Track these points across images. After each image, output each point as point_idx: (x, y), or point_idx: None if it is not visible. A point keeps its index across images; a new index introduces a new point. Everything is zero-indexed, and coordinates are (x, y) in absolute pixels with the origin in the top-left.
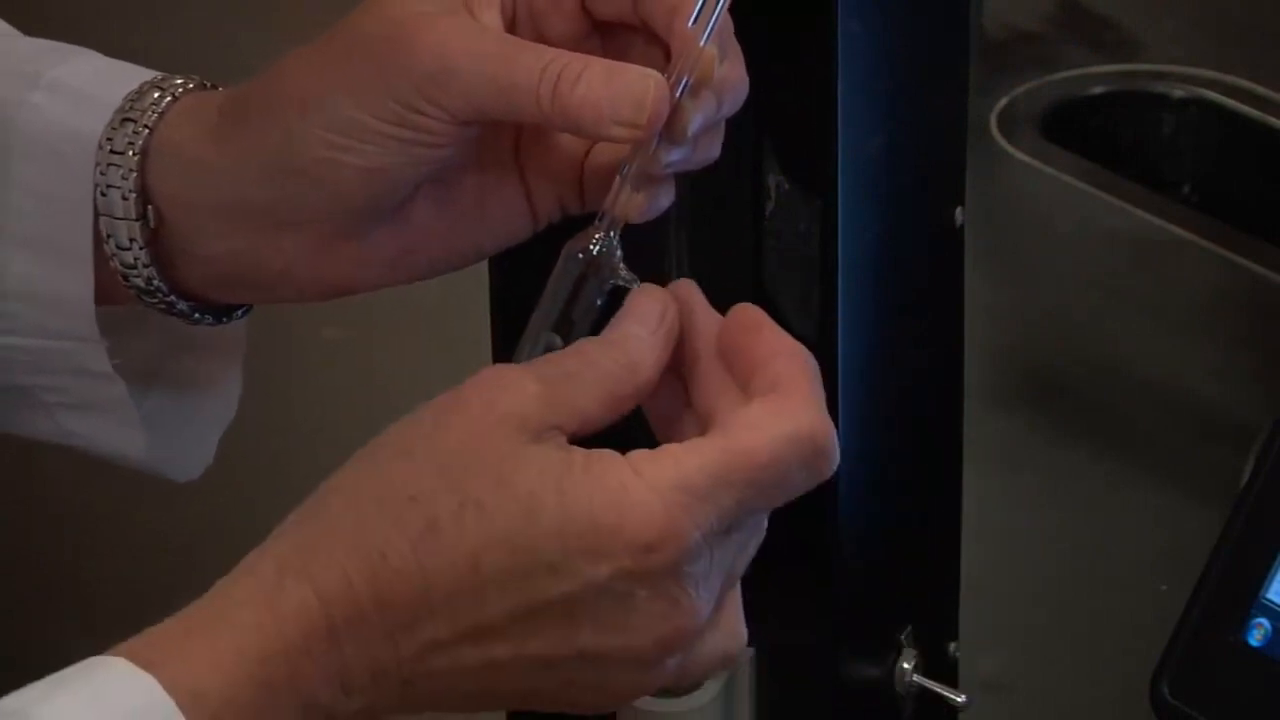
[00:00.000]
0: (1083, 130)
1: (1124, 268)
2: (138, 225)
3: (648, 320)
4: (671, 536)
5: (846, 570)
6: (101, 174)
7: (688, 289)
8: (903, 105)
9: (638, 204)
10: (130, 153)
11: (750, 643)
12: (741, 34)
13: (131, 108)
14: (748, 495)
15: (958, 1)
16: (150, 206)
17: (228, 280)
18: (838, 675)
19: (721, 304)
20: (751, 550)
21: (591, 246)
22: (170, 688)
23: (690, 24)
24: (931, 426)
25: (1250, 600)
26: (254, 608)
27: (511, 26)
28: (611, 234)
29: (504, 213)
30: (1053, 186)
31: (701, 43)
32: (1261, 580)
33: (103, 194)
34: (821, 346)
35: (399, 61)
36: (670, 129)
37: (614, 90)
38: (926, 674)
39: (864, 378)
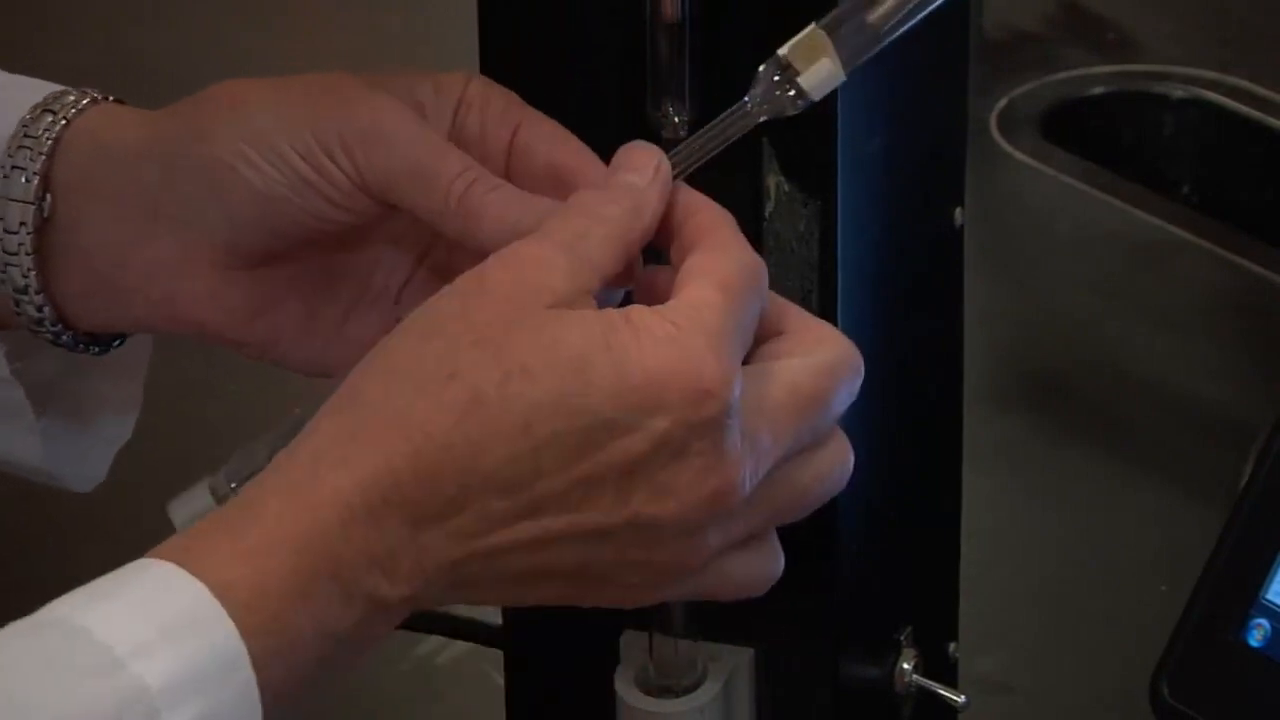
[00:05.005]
0: (1082, 131)
1: (1124, 268)
2: (31, 209)
3: (643, 170)
4: (726, 378)
5: (846, 570)
6: (9, 155)
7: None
8: (903, 106)
9: None
10: (45, 138)
11: (750, 643)
12: (742, 33)
13: (53, 102)
14: (744, 319)
15: (958, 2)
16: (48, 195)
17: (93, 284)
18: (837, 676)
19: None
20: (817, 470)
21: None
22: (204, 583)
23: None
24: (931, 426)
25: (1250, 601)
26: (284, 497)
27: None
28: None
29: (359, 339)
30: (1052, 187)
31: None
32: (1261, 580)
33: (5, 175)
34: None
35: (335, 109)
36: None
37: (523, 205)
38: (926, 674)
39: (864, 378)
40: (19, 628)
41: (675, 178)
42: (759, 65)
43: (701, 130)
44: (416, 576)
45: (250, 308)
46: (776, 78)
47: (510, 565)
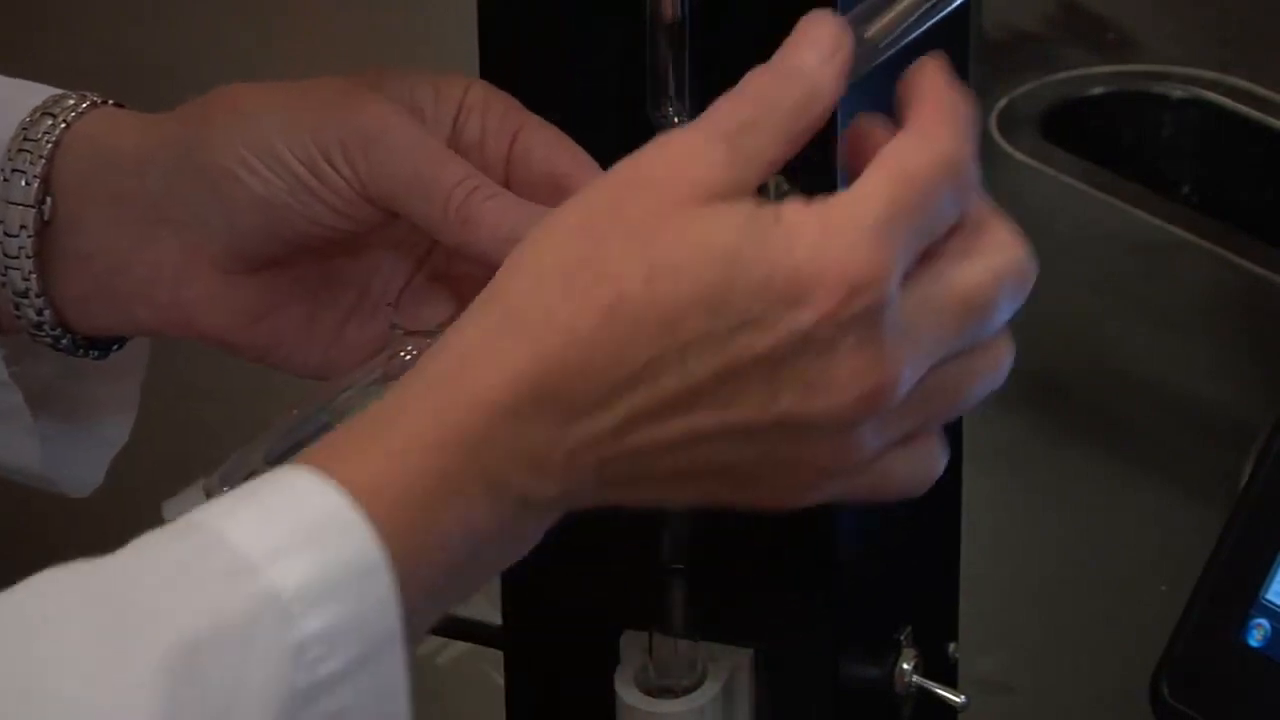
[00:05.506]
0: (1082, 131)
1: (1124, 268)
2: (31, 212)
3: (821, 47)
4: (877, 274)
5: (846, 570)
6: (9, 159)
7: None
8: None
9: None
10: (45, 141)
11: (749, 643)
12: (742, 33)
13: (53, 105)
14: (924, 213)
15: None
16: (49, 198)
17: (94, 288)
18: (837, 676)
19: None
20: (976, 372)
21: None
22: (347, 487)
23: None
24: None
25: (1250, 601)
26: (431, 398)
27: None
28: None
29: (358, 343)
30: (1052, 187)
31: None
32: (1261, 581)
33: (5, 179)
34: None
35: (337, 114)
36: None
37: (521, 214)
38: (926, 675)
39: None
40: (159, 534)
41: None
42: (758, 65)
43: None
44: (565, 475)
45: (251, 312)
46: None
47: (658, 464)
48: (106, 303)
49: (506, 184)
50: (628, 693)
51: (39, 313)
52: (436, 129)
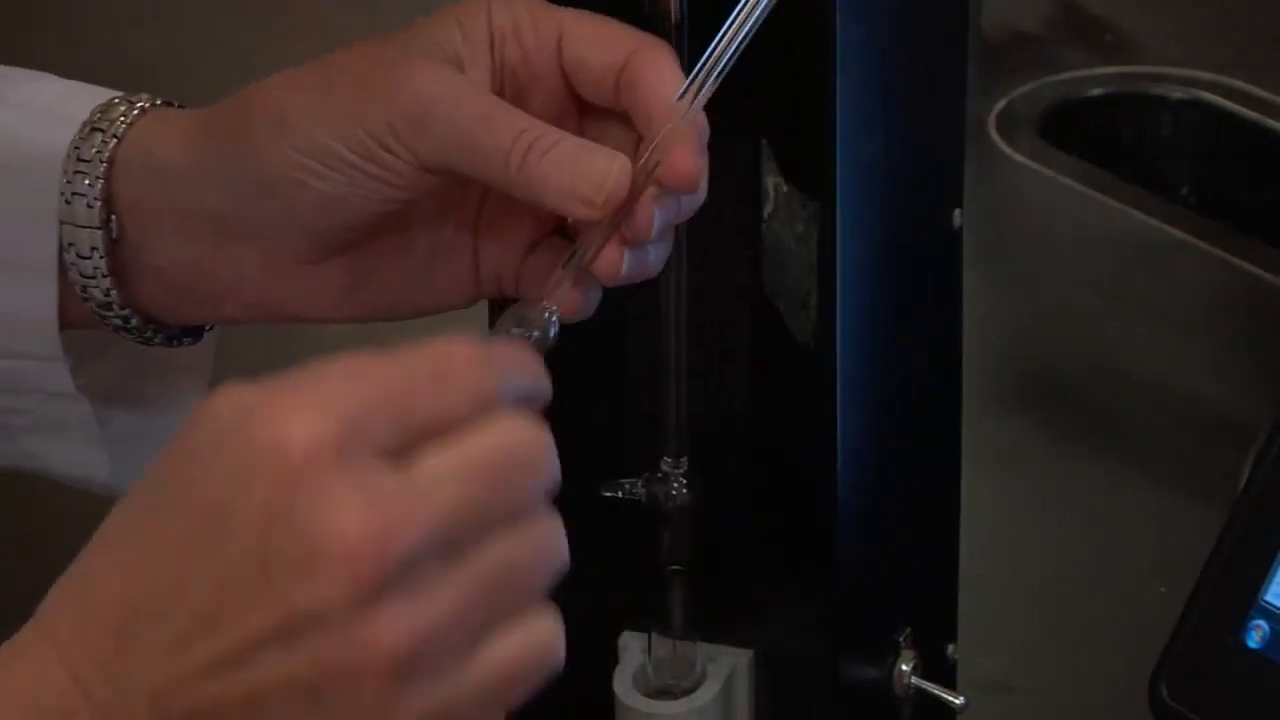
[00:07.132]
0: (1081, 132)
1: (1123, 269)
2: (99, 234)
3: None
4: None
5: (845, 572)
6: (68, 182)
7: None
8: (901, 107)
9: (574, 300)
10: (98, 160)
11: (748, 644)
12: None
13: (100, 118)
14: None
15: (956, 3)
16: (113, 216)
17: (177, 294)
18: (836, 677)
19: (719, 306)
20: (528, 543)
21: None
22: None
23: (677, 98)
24: (931, 428)
25: (1249, 602)
26: None
27: (499, 91)
28: (551, 321)
29: (450, 279)
30: (1051, 188)
31: (685, 113)
32: (1260, 582)
33: (67, 201)
34: (821, 348)
35: (380, 97)
36: (633, 224)
37: (580, 166)
38: (925, 676)
39: (863, 380)
40: None
41: (725, 68)
42: (758, 66)
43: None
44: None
45: (342, 289)
46: None
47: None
48: (192, 304)
49: (567, 88)
50: (626, 694)
51: (125, 320)
52: (476, 68)
